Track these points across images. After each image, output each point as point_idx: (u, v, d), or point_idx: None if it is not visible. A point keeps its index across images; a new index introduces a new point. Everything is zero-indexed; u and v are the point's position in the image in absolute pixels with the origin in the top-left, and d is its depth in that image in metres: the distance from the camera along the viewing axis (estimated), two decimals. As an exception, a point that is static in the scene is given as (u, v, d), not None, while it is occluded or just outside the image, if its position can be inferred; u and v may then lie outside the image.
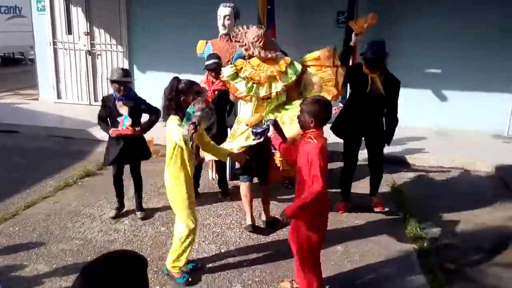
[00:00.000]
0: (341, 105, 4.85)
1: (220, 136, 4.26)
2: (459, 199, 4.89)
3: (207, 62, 4.38)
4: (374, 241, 3.87)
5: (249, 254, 3.60)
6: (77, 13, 8.27)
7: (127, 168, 4.21)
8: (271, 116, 3.66)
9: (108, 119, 4.02)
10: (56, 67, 8.57)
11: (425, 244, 3.80)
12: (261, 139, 3.17)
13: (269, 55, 3.71)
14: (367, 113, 4.19)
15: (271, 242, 3.81)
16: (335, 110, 4.86)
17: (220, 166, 4.78)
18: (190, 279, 3.16)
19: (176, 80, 3.04)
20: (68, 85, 8.62)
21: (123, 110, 3.91)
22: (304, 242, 2.83)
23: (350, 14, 6.79)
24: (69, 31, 8.37)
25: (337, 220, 4.21)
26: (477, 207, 4.68)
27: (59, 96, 8.69)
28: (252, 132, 3.16)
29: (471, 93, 7.36)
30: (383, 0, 7.25)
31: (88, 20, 8.26)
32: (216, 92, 4.38)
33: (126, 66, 8.26)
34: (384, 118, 4.28)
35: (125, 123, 3.91)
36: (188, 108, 2.91)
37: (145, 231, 3.95)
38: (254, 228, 3.94)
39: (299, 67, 3.86)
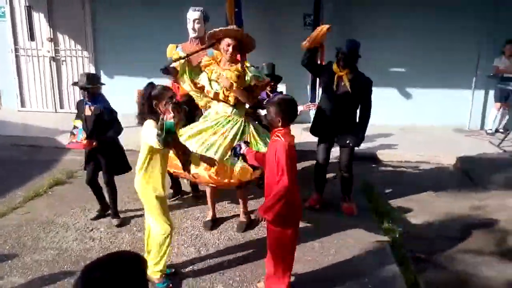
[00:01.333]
0: (313, 103, 4.96)
1: None
2: (426, 191, 5.12)
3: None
4: (349, 235, 3.99)
5: (228, 254, 3.64)
6: (40, 19, 8.05)
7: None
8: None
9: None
10: (19, 75, 8.30)
11: (396, 236, 3.95)
12: (239, 157, 3.21)
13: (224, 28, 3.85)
14: (336, 111, 4.27)
15: (250, 242, 3.86)
16: (308, 107, 4.97)
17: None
18: (171, 284, 3.16)
19: (150, 85, 3.04)
20: (32, 93, 8.37)
21: (78, 123, 3.90)
22: (277, 238, 2.89)
23: (316, 16, 6.95)
24: (32, 37, 8.13)
25: (312, 217, 4.30)
26: (443, 198, 4.92)
27: (23, 104, 8.41)
28: (234, 153, 3.21)
29: (433, 90, 7.70)
30: (346, 2, 7.47)
31: (51, 26, 8.05)
32: (183, 97, 4.39)
33: (93, 72, 8.12)
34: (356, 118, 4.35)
35: (79, 136, 3.88)
36: (162, 120, 2.81)
37: (122, 237, 3.91)
38: (214, 223, 4.12)
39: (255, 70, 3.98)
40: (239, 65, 3.83)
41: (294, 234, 2.95)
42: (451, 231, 4.18)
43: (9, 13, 8.04)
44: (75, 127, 3.92)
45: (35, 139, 6.63)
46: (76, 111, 4.16)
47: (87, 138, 3.88)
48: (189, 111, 4.34)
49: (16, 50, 8.19)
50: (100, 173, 4.19)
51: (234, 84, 3.73)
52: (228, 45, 3.78)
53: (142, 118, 3.00)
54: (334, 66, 4.22)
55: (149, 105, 2.98)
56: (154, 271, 3.14)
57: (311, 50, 4.27)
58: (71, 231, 3.99)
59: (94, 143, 3.90)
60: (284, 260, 2.96)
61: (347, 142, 4.31)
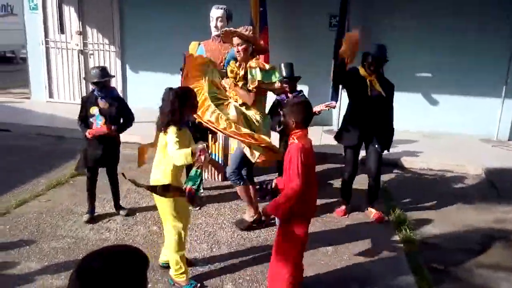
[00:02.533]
0: (333, 102, 4.87)
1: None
2: (448, 201, 4.98)
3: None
4: (364, 241, 3.93)
5: (240, 253, 3.64)
6: (70, 12, 8.25)
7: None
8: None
9: (88, 120, 3.96)
10: (48, 66, 8.53)
11: (413, 245, 3.86)
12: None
13: (250, 35, 3.83)
14: (371, 116, 4.15)
15: (263, 243, 3.84)
16: (327, 106, 4.88)
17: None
18: (198, 284, 3.12)
19: (172, 91, 2.96)
20: (60, 85, 8.59)
21: (95, 110, 3.90)
22: (287, 236, 2.86)
23: (342, 17, 6.87)
24: (62, 30, 8.32)
25: (327, 221, 4.26)
26: (465, 209, 4.77)
27: (50, 95, 8.65)
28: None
29: (460, 97, 7.50)
30: (372, 4, 7.36)
31: (81, 19, 8.24)
32: None
33: (119, 66, 8.28)
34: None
35: (98, 123, 3.90)
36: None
37: (137, 230, 3.96)
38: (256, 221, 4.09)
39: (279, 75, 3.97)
40: (242, 65, 3.85)
41: (305, 234, 2.92)
42: (472, 243, 4.05)
43: (41, 5, 8.27)
44: (92, 115, 3.92)
45: (61, 129, 6.79)
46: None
47: (105, 123, 3.90)
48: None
49: (47, 42, 8.42)
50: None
51: (231, 82, 3.85)
52: (237, 45, 3.82)
53: (166, 125, 2.92)
54: (362, 71, 4.12)
55: (179, 111, 2.91)
56: (176, 275, 3.10)
57: (341, 65, 4.13)
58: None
59: (113, 128, 3.92)
60: (292, 260, 2.92)
61: (377, 146, 4.23)
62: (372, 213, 4.40)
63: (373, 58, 4.03)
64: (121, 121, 4.08)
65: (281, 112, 4.36)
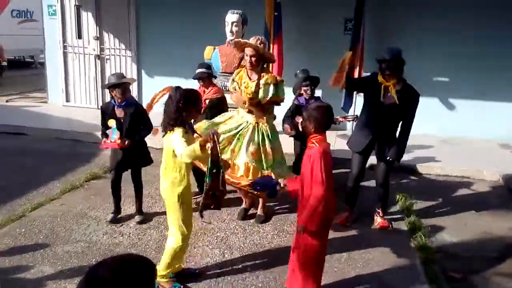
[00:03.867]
0: (347, 114, 4.84)
1: None
2: (465, 208, 4.87)
3: (196, 71, 4.50)
4: (378, 248, 3.86)
5: (252, 259, 3.61)
6: (87, 18, 8.38)
7: (127, 174, 4.22)
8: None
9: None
10: (66, 71, 8.68)
11: (430, 253, 3.78)
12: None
13: (266, 53, 3.98)
14: (379, 124, 4.03)
15: (275, 248, 3.81)
16: (346, 118, 4.85)
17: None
18: (181, 286, 3.13)
19: (179, 90, 2.96)
20: (77, 89, 8.72)
21: (112, 123, 3.90)
22: (309, 250, 2.83)
23: (357, 22, 6.81)
24: (79, 35, 8.48)
25: (342, 227, 4.20)
26: (483, 216, 4.66)
27: (67, 99, 8.78)
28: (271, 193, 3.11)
29: (478, 102, 7.35)
30: (388, 8, 7.29)
31: (98, 24, 8.36)
32: (207, 101, 4.42)
33: (135, 71, 8.37)
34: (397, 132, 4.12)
35: (113, 137, 3.91)
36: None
37: (150, 234, 3.97)
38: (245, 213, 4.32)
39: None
40: (255, 82, 3.92)
41: (325, 247, 2.89)
42: (489, 251, 3.95)
43: (59, 11, 8.42)
44: (109, 127, 3.96)
45: (77, 133, 6.88)
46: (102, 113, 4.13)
47: (121, 137, 3.91)
48: (211, 113, 4.35)
49: (64, 47, 8.56)
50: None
51: (246, 99, 3.94)
52: (247, 55, 3.89)
53: (172, 125, 2.91)
54: (379, 77, 3.97)
55: (183, 111, 2.90)
56: (161, 276, 3.10)
57: (348, 80, 4.07)
58: (102, 224, 4.10)
59: (127, 142, 3.93)
60: (314, 275, 2.90)
61: (387, 157, 4.07)
62: (376, 221, 4.29)
63: (384, 63, 3.88)
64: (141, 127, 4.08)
65: (301, 116, 4.39)
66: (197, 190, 4.73)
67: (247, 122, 4.02)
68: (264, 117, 4.02)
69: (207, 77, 4.50)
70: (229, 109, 4.51)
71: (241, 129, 4.01)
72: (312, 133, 2.78)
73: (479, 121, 7.38)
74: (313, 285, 2.91)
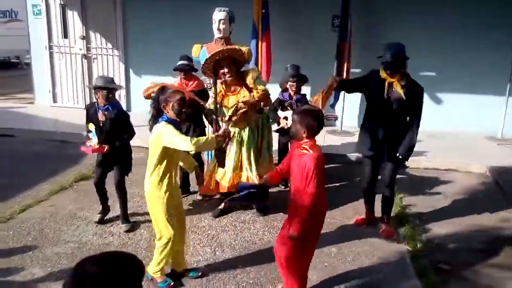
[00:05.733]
0: (331, 114, 4.83)
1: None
2: (453, 200, 4.94)
3: (178, 63, 4.52)
4: (368, 242, 3.90)
5: (243, 256, 3.62)
6: (73, 17, 8.29)
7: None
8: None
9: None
10: (52, 71, 8.58)
11: (418, 245, 3.83)
12: None
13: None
14: (387, 122, 3.83)
15: (266, 245, 3.81)
16: (328, 117, 4.92)
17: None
18: (172, 283, 3.15)
19: (160, 90, 3.04)
20: (64, 89, 8.63)
21: (91, 127, 3.83)
22: (295, 252, 2.83)
23: (344, 18, 6.84)
24: (65, 35, 8.39)
25: (331, 222, 4.23)
26: (471, 209, 4.72)
27: (54, 100, 8.69)
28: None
29: (464, 95, 7.45)
30: (375, 4, 7.33)
31: (84, 24, 8.28)
32: (191, 94, 4.41)
33: (122, 70, 8.30)
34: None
35: (93, 141, 3.84)
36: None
37: (141, 234, 3.96)
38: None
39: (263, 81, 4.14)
40: (241, 94, 3.98)
41: (312, 250, 2.90)
42: (477, 243, 4.01)
43: (45, 11, 8.32)
44: (89, 131, 3.88)
45: (65, 134, 6.82)
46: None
47: (100, 143, 3.82)
48: (195, 112, 4.33)
49: (50, 47, 8.47)
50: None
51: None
52: (224, 74, 3.88)
53: (154, 122, 3.01)
54: (382, 73, 3.79)
55: (157, 108, 3.01)
56: (154, 272, 3.14)
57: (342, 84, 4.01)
58: (91, 225, 4.07)
59: (106, 149, 3.84)
60: (300, 273, 2.92)
61: (397, 154, 3.87)
62: (382, 227, 4.11)
63: (386, 63, 3.71)
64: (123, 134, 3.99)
65: (284, 113, 4.42)
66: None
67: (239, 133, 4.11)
68: (251, 120, 4.09)
69: (188, 69, 4.50)
70: None
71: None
72: (303, 138, 2.74)
73: (466, 115, 7.47)
74: (296, 281, 2.92)
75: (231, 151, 4.09)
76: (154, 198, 3.04)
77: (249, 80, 3.95)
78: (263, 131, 4.23)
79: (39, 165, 5.64)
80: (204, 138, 2.98)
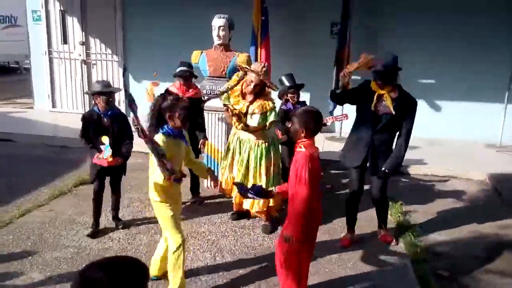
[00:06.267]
0: (334, 114, 4.84)
1: (192, 146, 4.34)
2: (453, 207, 4.95)
3: (177, 69, 4.54)
4: (368, 248, 3.89)
5: (243, 261, 3.61)
6: (73, 23, 8.32)
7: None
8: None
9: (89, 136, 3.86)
10: (51, 76, 8.59)
11: (419, 252, 3.83)
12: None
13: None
14: (374, 135, 3.72)
15: (266, 251, 3.81)
16: (331, 119, 4.93)
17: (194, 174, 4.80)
18: None
19: (161, 97, 2.98)
20: (63, 94, 8.64)
21: (105, 140, 3.74)
22: (291, 253, 2.83)
23: (344, 26, 6.89)
24: (65, 40, 8.41)
25: (331, 228, 4.23)
26: (470, 215, 4.73)
27: (54, 105, 8.69)
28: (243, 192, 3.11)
29: (463, 103, 7.49)
30: (374, 11, 7.39)
31: (84, 30, 8.31)
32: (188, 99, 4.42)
33: (121, 76, 8.31)
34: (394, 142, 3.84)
35: (106, 154, 3.76)
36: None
37: (140, 239, 3.94)
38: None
39: (277, 114, 4.14)
40: (246, 104, 4.03)
41: (309, 251, 2.90)
42: (477, 250, 4.01)
43: (44, 17, 8.34)
44: (102, 143, 3.76)
45: (64, 139, 6.81)
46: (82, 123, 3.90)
47: (112, 155, 3.77)
48: (194, 115, 4.33)
49: (50, 52, 8.48)
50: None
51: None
52: (251, 82, 3.93)
53: (152, 130, 2.92)
54: (373, 84, 3.69)
55: (158, 117, 2.92)
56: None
57: (340, 93, 3.88)
58: (90, 230, 4.05)
59: (120, 160, 3.86)
60: (300, 275, 2.92)
61: (382, 168, 3.75)
62: (380, 233, 4.10)
63: (376, 72, 3.61)
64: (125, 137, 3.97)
65: (290, 121, 4.44)
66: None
67: (248, 141, 4.11)
68: (261, 136, 4.09)
69: (188, 76, 4.52)
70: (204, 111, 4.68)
71: (244, 151, 4.13)
72: (301, 137, 2.76)
73: (465, 122, 7.51)
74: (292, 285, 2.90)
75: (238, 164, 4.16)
76: (159, 206, 3.00)
77: (250, 109, 4.02)
78: (273, 152, 4.17)
79: (38, 169, 5.62)
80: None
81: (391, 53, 3.71)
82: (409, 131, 3.75)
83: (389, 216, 4.51)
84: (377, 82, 3.64)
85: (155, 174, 2.85)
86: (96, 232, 4.01)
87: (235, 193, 4.13)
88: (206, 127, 4.71)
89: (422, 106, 7.54)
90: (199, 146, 4.49)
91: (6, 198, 4.64)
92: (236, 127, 4.10)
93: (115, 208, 4.21)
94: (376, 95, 3.64)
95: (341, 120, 4.89)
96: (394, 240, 4.04)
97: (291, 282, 2.90)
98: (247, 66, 4.07)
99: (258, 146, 4.08)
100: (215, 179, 3.24)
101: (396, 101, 3.62)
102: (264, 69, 3.92)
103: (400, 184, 5.69)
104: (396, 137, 3.82)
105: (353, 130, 3.94)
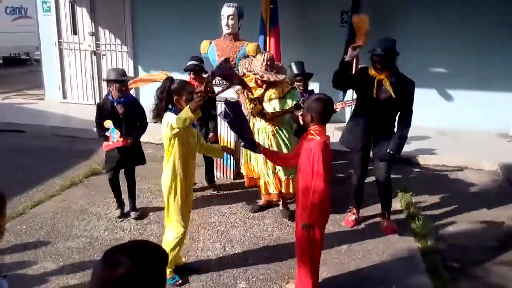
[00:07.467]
0: (344, 100, 4.81)
1: (205, 137, 4.37)
2: (464, 198, 4.91)
3: (188, 64, 4.54)
4: (378, 239, 3.89)
5: (253, 252, 3.63)
6: (82, 14, 8.32)
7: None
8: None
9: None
10: (62, 67, 8.62)
11: (429, 243, 3.81)
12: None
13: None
14: (375, 119, 3.82)
15: (276, 241, 3.83)
16: (341, 105, 4.89)
17: (208, 162, 4.88)
18: (180, 281, 3.15)
19: (169, 80, 3.03)
20: (73, 85, 8.68)
21: (109, 123, 3.84)
22: (306, 242, 2.84)
23: (354, 13, 6.78)
24: (74, 31, 8.42)
25: (341, 219, 4.22)
26: (481, 206, 4.69)
27: (64, 96, 8.74)
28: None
29: (474, 92, 7.36)
30: (386, 1, 7.26)
31: (93, 20, 8.31)
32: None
33: (131, 66, 8.33)
34: (396, 124, 3.92)
35: (114, 136, 3.85)
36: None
37: (151, 229, 3.98)
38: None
39: (297, 95, 4.09)
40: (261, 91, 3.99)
41: (321, 237, 2.90)
42: (488, 240, 3.98)
43: (54, 7, 8.35)
44: (106, 129, 3.87)
45: (75, 130, 6.86)
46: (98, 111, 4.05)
47: (121, 136, 3.88)
48: (206, 107, 4.33)
49: (60, 43, 8.50)
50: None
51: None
52: (258, 80, 3.99)
53: (158, 113, 2.98)
54: (371, 70, 3.78)
55: (167, 100, 2.97)
56: None
57: (344, 66, 3.84)
58: (102, 220, 4.11)
59: (129, 140, 3.92)
60: (310, 264, 2.92)
61: (387, 150, 3.80)
62: (384, 223, 4.10)
63: (376, 56, 3.67)
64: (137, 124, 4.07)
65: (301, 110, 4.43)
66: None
67: (265, 129, 4.08)
68: (277, 123, 4.07)
69: (198, 70, 4.51)
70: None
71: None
72: (312, 124, 2.77)
73: (477, 112, 7.39)
74: (310, 276, 2.92)
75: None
76: (170, 193, 3.05)
77: (266, 96, 3.97)
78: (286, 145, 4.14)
79: (50, 160, 5.68)
80: (209, 145, 3.09)
81: (388, 38, 3.78)
82: (410, 112, 3.83)
83: (399, 207, 4.52)
84: (376, 67, 3.72)
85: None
86: (124, 212, 4.18)
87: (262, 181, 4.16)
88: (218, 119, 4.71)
89: (432, 95, 7.51)
90: (208, 140, 4.49)
91: (18, 189, 4.70)
92: (252, 114, 4.04)
93: (131, 197, 4.25)
94: (376, 80, 3.72)
95: (351, 105, 4.88)
96: (397, 230, 4.03)
97: (309, 273, 2.91)
98: (246, 72, 4.02)
99: (274, 135, 4.06)
100: (232, 152, 3.32)
101: (395, 84, 3.70)
102: (264, 68, 3.86)
103: (411, 175, 5.65)
104: (397, 119, 3.91)
105: (354, 115, 4.08)
